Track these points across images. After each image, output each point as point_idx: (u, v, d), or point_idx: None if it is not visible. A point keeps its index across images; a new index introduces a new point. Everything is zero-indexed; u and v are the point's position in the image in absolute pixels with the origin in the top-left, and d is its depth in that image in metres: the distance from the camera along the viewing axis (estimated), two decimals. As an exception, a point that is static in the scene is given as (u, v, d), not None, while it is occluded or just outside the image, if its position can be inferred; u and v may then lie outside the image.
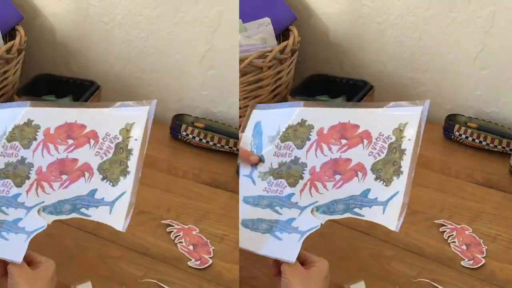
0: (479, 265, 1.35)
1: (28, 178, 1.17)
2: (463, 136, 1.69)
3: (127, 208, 1.17)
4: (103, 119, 1.19)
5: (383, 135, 1.20)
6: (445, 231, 1.43)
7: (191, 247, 1.40)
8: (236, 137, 1.69)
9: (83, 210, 1.18)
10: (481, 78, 1.75)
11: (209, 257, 1.37)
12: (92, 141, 1.19)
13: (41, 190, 1.17)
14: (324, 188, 1.20)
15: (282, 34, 1.83)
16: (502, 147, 1.66)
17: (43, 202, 1.17)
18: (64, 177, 1.18)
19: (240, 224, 1.21)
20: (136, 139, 1.19)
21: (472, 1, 1.69)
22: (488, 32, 1.70)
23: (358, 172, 1.19)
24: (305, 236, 1.17)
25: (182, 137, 1.72)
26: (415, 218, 1.46)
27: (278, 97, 1.80)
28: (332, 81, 1.82)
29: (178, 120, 1.74)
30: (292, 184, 1.22)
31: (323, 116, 1.22)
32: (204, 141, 1.70)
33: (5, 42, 1.78)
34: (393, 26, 1.79)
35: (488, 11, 1.68)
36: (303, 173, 1.22)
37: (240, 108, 1.74)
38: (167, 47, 1.78)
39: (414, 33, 1.78)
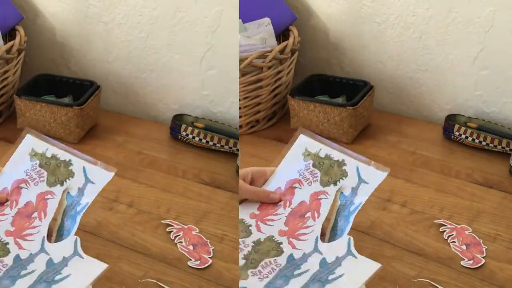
0: (479, 265, 1.35)
1: (6, 243, 1.10)
2: (463, 136, 1.69)
3: (102, 171, 1.15)
4: (9, 173, 1.14)
5: (301, 169, 1.14)
6: (445, 231, 1.43)
7: (191, 247, 1.40)
8: (236, 137, 1.69)
9: (77, 208, 1.14)
10: (481, 78, 1.75)
11: (209, 257, 1.37)
12: (23, 184, 1.14)
13: (26, 242, 1.11)
14: (306, 228, 1.12)
15: (282, 34, 1.83)
16: (502, 147, 1.66)
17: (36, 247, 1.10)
18: (35, 214, 1.13)
19: None
20: (47, 148, 1.14)
21: (472, 1, 1.69)
22: (488, 32, 1.70)
23: (319, 196, 1.13)
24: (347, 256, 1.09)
25: (182, 137, 1.72)
26: (415, 218, 1.46)
27: (278, 97, 1.80)
28: (332, 81, 1.82)
29: (178, 120, 1.75)
30: (277, 254, 1.10)
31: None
32: (204, 141, 1.70)
33: (5, 42, 1.78)
34: (393, 26, 1.80)
35: (488, 11, 1.68)
36: (276, 239, 1.11)
37: (240, 108, 1.74)
38: (167, 47, 1.78)
39: (414, 33, 1.78)
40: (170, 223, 1.45)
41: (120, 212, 1.49)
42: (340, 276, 1.08)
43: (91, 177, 1.14)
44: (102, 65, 1.85)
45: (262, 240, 1.11)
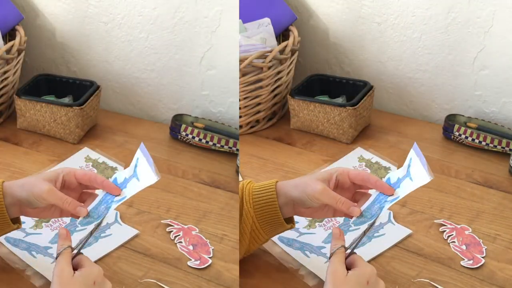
0: (479, 265, 1.35)
1: None
2: (463, 136, 1.69)
3: None
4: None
5: None
6: (444, 231, 1.43)
7: (190, 247, 1.40)
8: (236, 137, 1.69)
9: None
10: (481, 78, 1.75)
11: (209, 257, 1.37)
12: None
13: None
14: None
15: (282, 34, 1.83)
16: (502, 147, 1.66)
17: None
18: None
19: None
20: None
21: (472, 1, 1.69)
22: (488, 32, 1.70)
23: None
24: None
25: (182, 137, 1.72)
26: (415, 218, 1.46)
27: (278, 97, 1.80)
28: (332, 81, 1.82)
29: (178, 120, 1.75)
30: None
31: None
32: (203, 141, 1.70)
33: (5, 42, 1.78)
34: (393, 26, 1.80)
35: (488, 11, 1.68)
36: None
37: (240, 108, 1.74)
38: (167, 47, 1.78)
39: (414, 33, 1.78)
40: (170, 223, 1.45)
41: (120, 212, 1.48)
42: (382, 235, 1.42)
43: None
44: (102, 65, 1.85)
45: None
